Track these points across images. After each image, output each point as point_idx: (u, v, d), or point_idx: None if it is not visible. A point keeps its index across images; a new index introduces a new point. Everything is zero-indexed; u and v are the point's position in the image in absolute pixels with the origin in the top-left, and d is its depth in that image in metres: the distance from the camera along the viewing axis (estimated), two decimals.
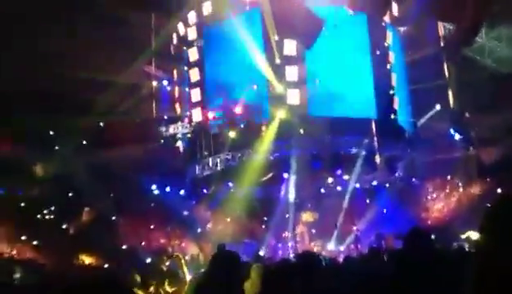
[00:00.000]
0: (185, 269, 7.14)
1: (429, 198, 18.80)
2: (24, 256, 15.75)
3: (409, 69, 18.08)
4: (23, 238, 16.44)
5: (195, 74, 17.82)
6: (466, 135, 16.06)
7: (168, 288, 6.22)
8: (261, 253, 15.03)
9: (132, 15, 16.80)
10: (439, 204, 18.56)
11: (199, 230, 18.97)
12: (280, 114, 15.59)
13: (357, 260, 8.63)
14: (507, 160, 17.10)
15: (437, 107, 17.43)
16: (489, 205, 1.12)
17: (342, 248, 16.18)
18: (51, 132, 18.45)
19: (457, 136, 16.05)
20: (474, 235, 13.20)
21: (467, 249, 9.29)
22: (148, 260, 13.05)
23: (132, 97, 17.81)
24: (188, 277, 6.62)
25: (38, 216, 17.39)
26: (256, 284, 5.98)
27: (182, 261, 7.27)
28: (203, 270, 4.82)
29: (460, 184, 18.51)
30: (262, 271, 6.31)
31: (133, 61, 17.63)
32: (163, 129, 17.87)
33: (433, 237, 4.11)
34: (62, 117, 15.91)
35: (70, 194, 17.98)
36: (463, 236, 14.31)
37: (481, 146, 18.01)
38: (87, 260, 16.21)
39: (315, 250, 13.88)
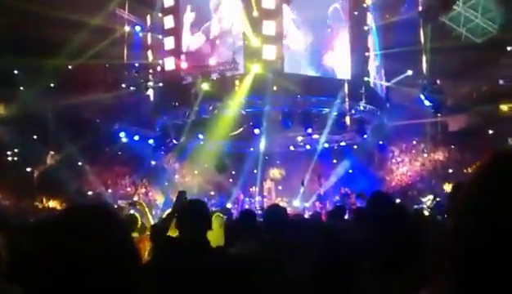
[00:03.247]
0: (149, 215, 7.12)
1: (394, 161, 19.33)
2: None
3: (385, 32, 18.04)
4: None
5: (169, 21, 17.28)
6: (435, 102, 16.32)
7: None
8: (228, 206, 15.22)
9: None
10: (403, 168, 19.12)
11: (166, 182, 19.01)
12: (255, 69, 15.39)
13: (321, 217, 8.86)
14: (472, 128, 17.63)
15: (409, 72, 17.57)
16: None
17: (307, 205, 16.53)
18: (16, 72, 17.79)
19: (427, 103, 16.30)
20: (430, 199, 13.71)
21: (425, 213, 9.66)
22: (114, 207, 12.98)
23: (103, 41, 17.21)
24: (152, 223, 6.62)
25: (1, 157, 16.98)
26: (218, 234, 6.03)
27: (146, 209, 7.24)
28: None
29: (425, 149, 19.04)
30: (224, 221, 6.38)
31: (106, 3, 16.95)
32: (134, 76, 17.42)
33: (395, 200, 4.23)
34: (29, 56, 15.29)
35: (35, 137, 17.57)
36: (423, 199, 14.83)
37: (449, 113, 18.45)
38: (51, 203, 16.06)
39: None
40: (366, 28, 17.50)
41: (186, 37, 17.02)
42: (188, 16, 16.95)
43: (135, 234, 6.12)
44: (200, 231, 3.07)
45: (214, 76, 16.03)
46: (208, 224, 3.24)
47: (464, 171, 16.26)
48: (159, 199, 18.33)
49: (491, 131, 18.09)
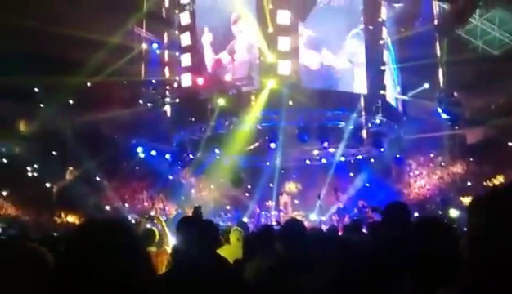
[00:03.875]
0: (166, 230, 7.17)
1: (412, 174, 19.12)
2: (6, 211, 15.75)
3: (401, 45, 18.03)
4: (4, 193, 16.39)
5: (185, 39, 17.53)
6: (453, 115, 16.19)
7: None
8: (244, 220, 15.20)
9: None
10: (421, 181, 18.90)
11: (183, 196, 19.10)
12: (271, 84, 15.49)
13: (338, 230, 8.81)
14: (491, 141, 17.39)
15: (426, 85, 17.50)
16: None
17: (324, 218, 16.44)
18: (37, 89, 18.19)
19: (444, 116, 16.18)
20: (454, 213, 13.50)
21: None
22: (131, 222, 13.09)
23: (122, 59, 17.53)
24: (171, 238, 6.66)
25: (21, 173, 17.28)
26: (236, 248, 6.04)
27: (164, 223, 7.29)
28: None
29: (443, 162, 18.82)
30: (242, 235, 6.38)
31: (124, 22, 17.29)
32: (152, 92, 17.68)
33: (411, 211, 4.21)
34: (49, 74, 15.65)
35: (54, 153, 17.87)
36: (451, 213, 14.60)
37: (466, 126, 18.25)
38: (69, 218, 16.26)
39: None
40: (381, 42, 17.51)
41: (209, 57, 17.16)
42: (206, 37, 17.13)
43: (153, 248, 6.17)
44: (201, 247, 3.08)
45: (230, 92, 16.18)
46: (212, 240, 3.26)
47: (483, 184, 16.03)
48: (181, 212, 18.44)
49: (510, 144, 17.83)
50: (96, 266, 1.36)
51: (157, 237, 6.44)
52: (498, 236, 1.07)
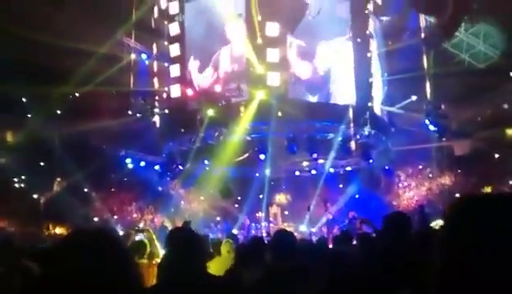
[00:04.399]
0: (156, 242, 7.14)
1: (401, 185, 19.26)
2: None
3: (388, 58, 18.24)
4: None
5: (175, 50, 17.56)
6: (440, 127, 16.37)
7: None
8: (234, 232, 15.15)
9: None
10: (410, 192, 19.03)
11: (172, 208, 18.99)
12: (260, 95, 15.55)
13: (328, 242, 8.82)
14: (478, 153, 17.61)
15: (414, 98, 17.69)
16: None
17: (314, 230, 16.43)
18: (24, 99, 18.03)
19: (431, 127, 16.35)
20: (440, 224, 13.59)
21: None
22: (120, 234, 12.96)
23: (110, 69, 17.48)
24: (160, 251, 6.62)
25: (8, 184, 17.06)
26: (227, 260, 6.03)
27: (153, 236, 7.27)
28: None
29: (431, 174, 18.99)
30: (233, 247, 6.37)
31: (112, 32, 17.26)
32: (141, 103, 17.63)
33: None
34: (37, 84, 15.53)
35: (42, 164, 17.69)
36: (431, 224, 14.68)
37: (454, 138, 18.46)
38: (57, 230, 16.06)
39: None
40: (369, 54, 17.70)
41: (196, 77, 17.25)
42: (193, 64, 17.25)
43: (144, 261, 6.13)
44: (191, 260, 3.06)
45: (219, 102, 16.20)
46: (202, 253, 3.25)
47: None
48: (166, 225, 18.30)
49: (497, 155, 18.06)
50: (84, 276, 1.35)
51: (148, 249, 6.41)
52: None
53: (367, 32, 17.79)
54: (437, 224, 13.98)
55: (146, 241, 6.78)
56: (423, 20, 18.53)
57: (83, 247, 1.43)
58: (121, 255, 1.47)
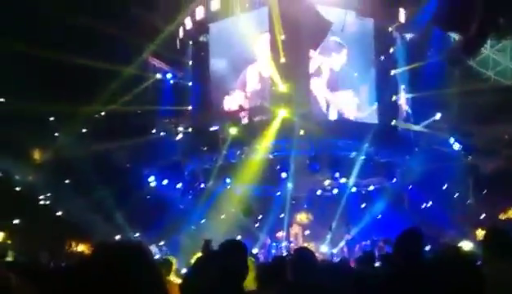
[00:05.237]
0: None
1: (425, 206, 18.86)
2: (17, 240, 15.77)
3: (412, 76, 18.12)
4: (15, 221, 16.46)
5: (199, 69, 17.87)
6: (465, 146, 16.10)
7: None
8: (254, 251, 15.05)
9: (140, 8, 16.82)
10: (434, 213, 18.61)
11: (193, 226, 18.99)
12: (282, 114, 15.60)
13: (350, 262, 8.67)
14: (505, 172, 17.17)
15: (438, 115, 17.48)
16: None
17: (335, 251, 16.20)
18: (51, 118, 18.44)
19: (456, 146, 16.08)
20: (467, 245, 13.23)
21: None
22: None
23: (136, 88, 17.82)
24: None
25: (34, 201, 17.39)
26: (248, 278, 5.97)
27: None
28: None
29: (456, 194, 18.56)
30: (254, 265, 6.32)
31: (138, 52, 17.64)
32: (165, 121, 17.90)
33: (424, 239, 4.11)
34: (64, 103, 15.90)
35: (67, 181, 17.99)
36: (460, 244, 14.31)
37: (479, 157, 18.06)
38: (79, 247, 16.22)
39: None
40: (392, 72, 17.62)
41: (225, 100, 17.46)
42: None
43: (171, 278, 6.15)
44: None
45: (242, 121, 16.31)
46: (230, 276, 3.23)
47: (498, 216, 15.75)
48: (186, 244, 18.30)
49: None
50: (113, 286, 1.35)
51: (174, 266, 6.43)
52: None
53: (391, 50, 17.75)
54: (464, 245, 13.64)
55: (171, 258, 6.79)
56: (447, 37, 18.39)
57: (113, 257, 1.42)
58: (151, 266, 1.47)
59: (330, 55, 17.02)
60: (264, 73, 16.79)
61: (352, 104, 17.13)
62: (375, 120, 16.87)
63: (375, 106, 17.09)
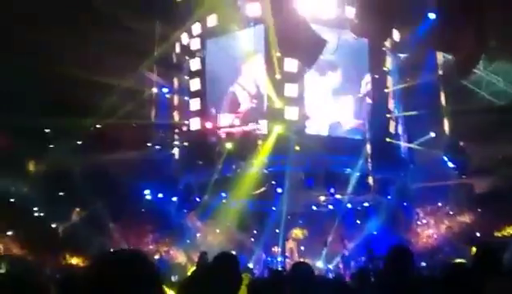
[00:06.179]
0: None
1: (420, 223, 18.89)
2: (11, 252, 15.65)
3: (406, 94, 18.30)
4: (9, 233, 16.34)
5: (195, 84, 17.97)
6: (459, 164, 16.21)
7: None
8: (250, 266, 15.01)
9: (137, 22, 16.95)
10: (429, 230, 18.65)
11: (188, 240, 18.92)
12: (278, 129, 15.70)
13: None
14: (499, 191, 17.27)
15: (432, 134, 17.63)
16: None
17: (331, 266, 16.18)
18: (47, 130, 18.43)
19: (450, 164, 16.21)
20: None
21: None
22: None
23: (132, 102, 17.86)
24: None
25: (28, 212, 17.28)
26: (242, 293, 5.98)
27: None
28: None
29: (450, 212, 18.62)
30: (249, 281, 6.34)
31: (135, 67, 17.73)
32: (161, 135, 17.94)
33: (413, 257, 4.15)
34: (60, 116, 15.92)
35: (61, 194, 17.92)
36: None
37: (473, 176, 18.16)
38: (73, 260, 16.11)
39: None
40: (386, 90, 17.80)
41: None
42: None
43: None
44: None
45: (238, 136, 16.39)
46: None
47: (493, 234, 15.80)
48: (180, 258, 18.22)
49: None
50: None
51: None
52: None
53: (385, 68, 17.95)
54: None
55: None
56: (440, 57, 18.63)
57: (117, 266, 1.47)
58: (153, 274, 1.51)
59: (325, 73, 17.20)
60: (257, 91, 16.95)
61: (350, 111, 17.29)
62: (369, 137, 16.99)
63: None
